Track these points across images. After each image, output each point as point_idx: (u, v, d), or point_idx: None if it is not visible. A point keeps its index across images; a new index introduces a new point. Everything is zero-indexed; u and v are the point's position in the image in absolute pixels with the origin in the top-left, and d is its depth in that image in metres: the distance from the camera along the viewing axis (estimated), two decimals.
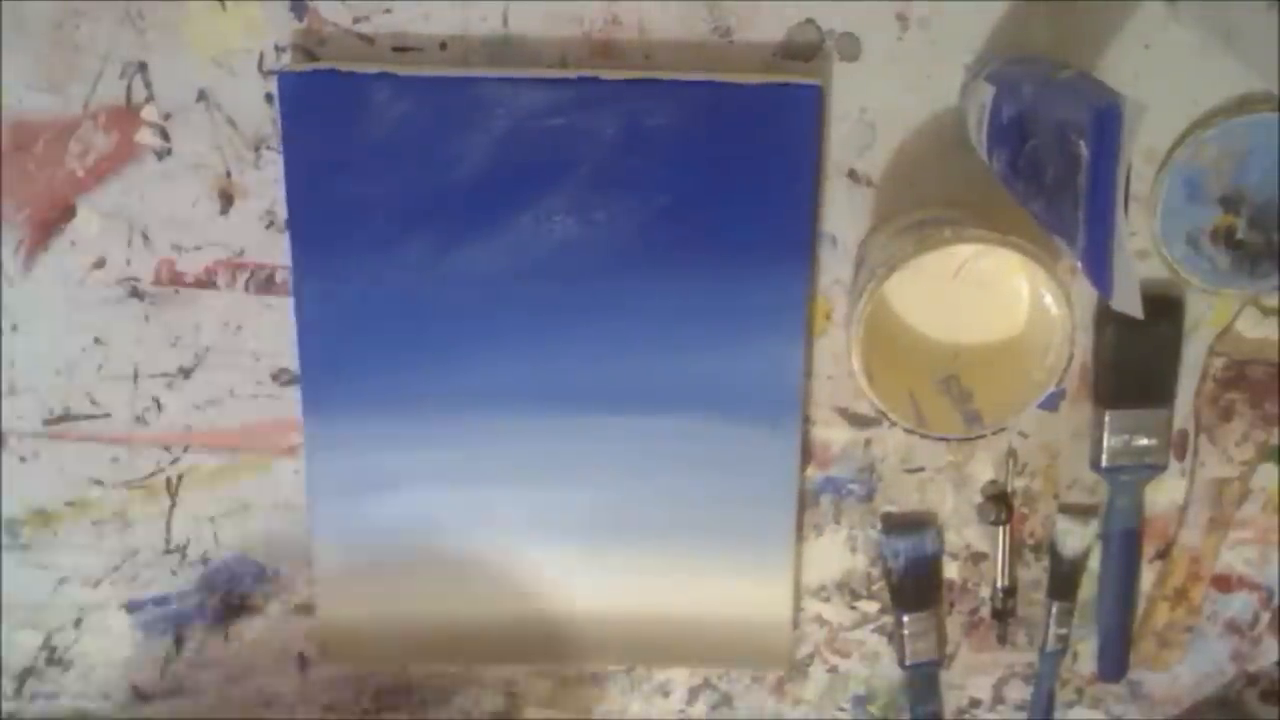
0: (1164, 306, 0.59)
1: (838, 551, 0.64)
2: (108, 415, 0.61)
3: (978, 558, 0.64)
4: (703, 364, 0.59)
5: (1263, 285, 0.57)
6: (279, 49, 0.55)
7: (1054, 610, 0.64)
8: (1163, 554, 0.64)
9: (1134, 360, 0.59)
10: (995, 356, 0.55)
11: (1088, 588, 0.64)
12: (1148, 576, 0.64)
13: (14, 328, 0.59)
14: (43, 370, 0.60)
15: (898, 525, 0.63)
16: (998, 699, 0.67)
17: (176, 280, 0.59)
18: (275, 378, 0.61)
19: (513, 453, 0.60)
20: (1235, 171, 0.55)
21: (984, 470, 0.62)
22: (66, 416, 0.61)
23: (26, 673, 0.66)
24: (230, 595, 0.64)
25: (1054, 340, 0.52)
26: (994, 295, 0.54)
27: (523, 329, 0.58)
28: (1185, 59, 0.55)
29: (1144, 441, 0.60)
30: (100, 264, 0.59)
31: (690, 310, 0.58)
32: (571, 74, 0.55)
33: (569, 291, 0.57)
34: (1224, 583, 0.65)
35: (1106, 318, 0.59)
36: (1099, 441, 0.60)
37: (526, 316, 0.58)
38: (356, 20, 0.55)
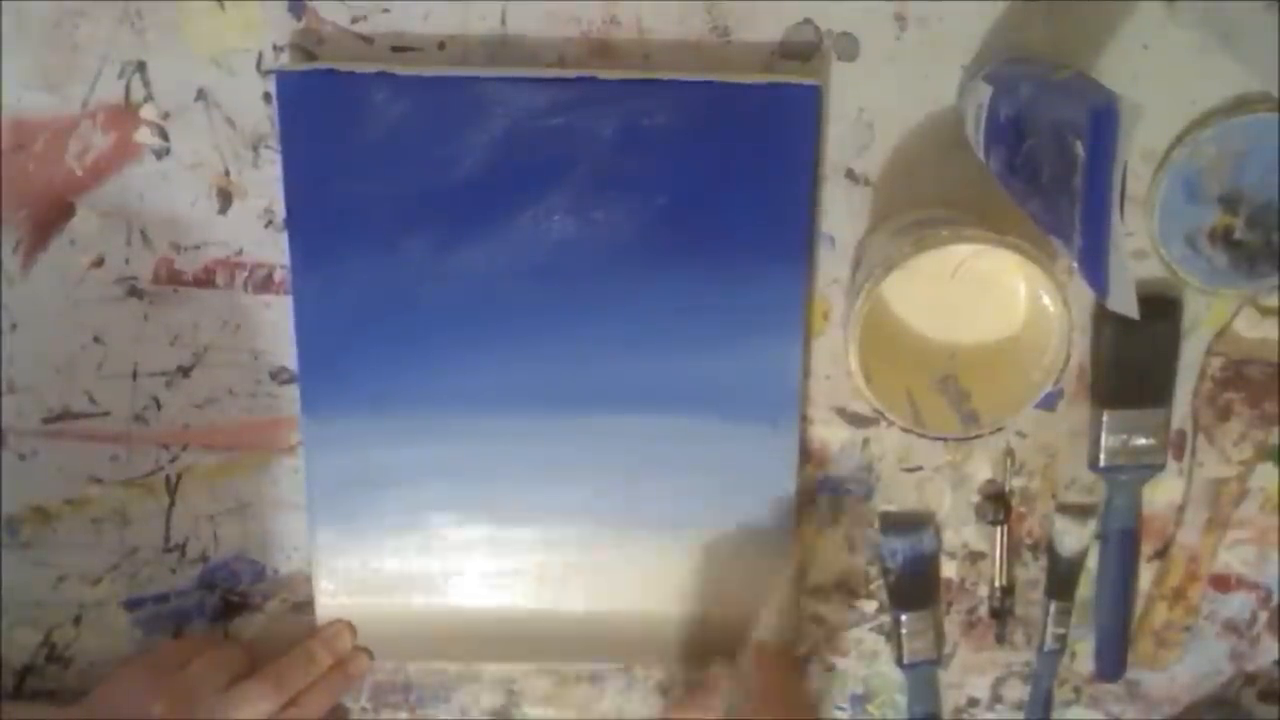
0: (1162, 306, 0.59)
1: (836, 550, 0.64)
2: (107, 414, 0.61)
3: (976, 557, 0.64)
4: (701, 364, 0.59)
5: (1261, 285, 0.57)
6: (277, 48, 0.55)
7: (1052, 609, 0.64)
8: (1161, 553, 0.64)
9: (1132, 360, 0.59)
10: (993, 356, 0.55)
11: (1085, 587, 0.64)
12: (1146, 576, 0.64)
13: (13, 326, 0.60)
14: (42, 368, 0.60)
15: (896, 524, 0.63)
16: (995, 698, 0.67)
17: (175, 279, 0.59)
18: (274, 376, 0.61)
19: (510, 452, 0.60)
20: (1233, 171, 0.55)
21: (982, 470, 0.62)
22: (66, 415, 0.61)
23: (26, 670, 0.66)
24: (229, 593, 0.65)
25: (1051, 340, 0.52)
26: (991, 295, 0.54)
27: (521, 328, 0.58)
28: (1183, 59, 0.55)
29: (1142, 441, 0.60)
30: (99, 263, 0.59)
31: (689, 310, 0.58)
32: (570, 74, 0.55)
33: (567, 291, 0.58)
34: (1222, 582, 0.65)
35: (1104, 318, 0.59)
36: (1097, 441, 0.60)
37: (525, 316, 0.58)
38: (355, 20, 0.55)
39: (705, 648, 0.64)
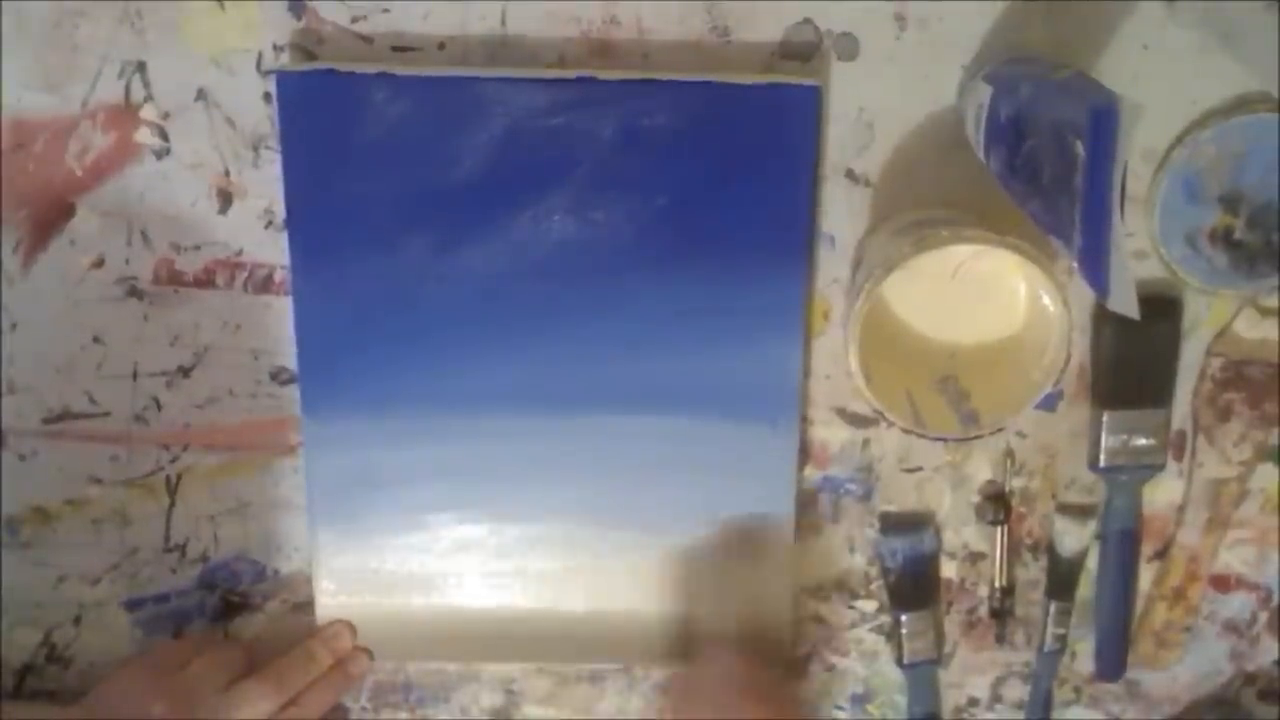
0: (1162, 306, 0.59)
1: (836, 551, 0.64)
2: (107, 414, 0.61)
3: (976, 557, 0.64)
4: (701, 364, 0.59)
5: (1261, 285, 0.57)
6: (277, 48, 0.55)
7: (1052, 610, 0.64)
8: (1161, 554, 0.64)
9: (1132, 360, 0.59)
10: (993, 356, 0.55)
11: (1086, 587, 0.64)
12: (1146, 576, 0.64)
13: (13, 326, 0.60)
14: (42, 369, 0.60)
15: (896, 525, 0.63)
16: (995, 698, 0.67)
17: (175, 279, 0.59)
18: (274, 377, 0.61)
19: (510, 452, 0.60)
20: (1233, 172, 0.55)
21: (982, 470, 0.62)
22: (66, 415, 0.61)
23: (26, 670, 0.66)
24: (230, 593, 0.65)
25: (1051, 340, 0.52)
26: (991, 295, 0.54)
27: (521, 328, 0.58)
28: (1183, 59, 0.55)
29: (1142, 441, 0.60)
30: (99, 263, 0.59)
31: (689, 310, 0.58)
32: (570, 74, 0.55)
33: (567, 291, 0.58)
34: (1222, 582, 0.65)
35: (1104, 318, 0.59)
36: (1097, 441, 0.60)
37: (525, 316, 0.58)
38: (355, 20, 0.55)
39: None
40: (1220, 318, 0.60)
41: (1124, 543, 0.62)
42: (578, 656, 0.65)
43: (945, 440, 0.61)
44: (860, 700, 0.67)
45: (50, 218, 0.58)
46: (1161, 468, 0.61)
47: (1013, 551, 0.64)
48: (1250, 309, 0.59)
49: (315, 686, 0.62)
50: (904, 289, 0.54)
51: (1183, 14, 0.54)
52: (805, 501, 0.62)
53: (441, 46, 0.55)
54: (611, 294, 0.58)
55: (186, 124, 0.57)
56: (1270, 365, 0.60)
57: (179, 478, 0.62)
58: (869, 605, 0.65)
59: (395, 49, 0.56)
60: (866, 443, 0.62)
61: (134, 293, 0.59)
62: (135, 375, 0.61)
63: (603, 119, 0.55)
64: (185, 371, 0.61)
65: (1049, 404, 0.61)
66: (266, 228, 0.58)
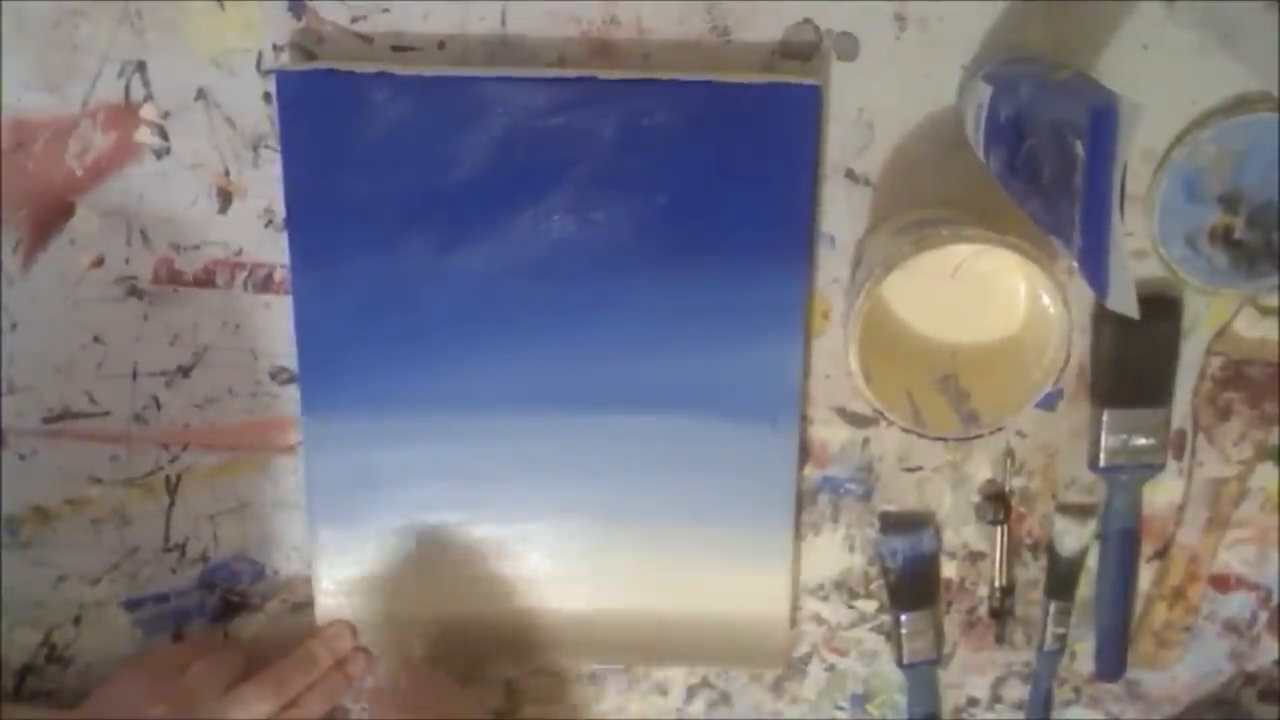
0: (1162, 306, 0.59)
1: (836, 550, 0.64)
2: (107, 413, 0.61)
3: (976, 557, 0.64)
4: (701, 363, 0.59)
5: (1261, 285, 0.57)
6: (277, 48, 0.55)
7: (1052, 609, 0.64)
8: (1161, 553, 0.64)
9: (1132, 360, 0.59)
10: (993, 356, 0.55)
11: (1085, 587, 0.64)
12: (1146, 576, 0.64)
13: (13, 326, 0.60)
14: (42, 368, 0.60)
15: (895, 524, 0.63)
16: (995, 698, 0.67)
17: (175, 279, 0.59)
18: (274, 376, 0.61)
19: (511, 452, 0.60)
20: (1233, 171, 0.55)
21: (982, 469, 0.62)
22: (66, 415, 0.61)
23: (26, 670, 0.66)
24: (229, 593, 0.65)
25: (1051, 340, 0.52)
26: (991, 295, 0.54)
27: (521, 328, 0.58)
28: (1183, 59, 0.55)
29: (1142, 441, 0.60)
30: (99, 263, 0.59)
31: (689, 310, 0.58)
32: (570, 74, 0.55)
33: (567, 291, 0.58)
34: (1222, 582, 0.65)
35: (1104, 317, 0.59)
36: (1097, 441, 0.60)
37: (524, 316, 0.58)
38: (355, 20, 0.55)
39: (702, 648, 0.64)
40: (1220, 317, 0.60)
41: (1124, 542, 0.62)
42: (579, 656, 0.65)
43: (945, 440, 0.61)
44: (860, 700, 0.67)
45: (50, 218, 0.58)
46: (1161, 467, 0.61)
47: (1013, 551, 0.64)
48: (1250, 308, 0.59)
49: (315, 688, 0.62)
50: (904, 289, 0.54)
51: (1183, 14, 0.54)
52: (805, 501, 0.62)
53: (441, 46, 0.55)
54: (611, 293, 0.58)
55: (186, 124, 0.57)
56: (1270, 365, 0.60)
57: (179, 478, 0.62)
58: (869, 605, 0.65)
59: (395, 49, 0.56)
60: (866, 442, 0.62)
61: (134, 292, 0.59)
62: (135, 375, 0.61)
63: (603, 119, 0.55)
64: (185, 371, 0.61)
65: (1049, 403, 0.61)
66: (266, 227, 0.58)
